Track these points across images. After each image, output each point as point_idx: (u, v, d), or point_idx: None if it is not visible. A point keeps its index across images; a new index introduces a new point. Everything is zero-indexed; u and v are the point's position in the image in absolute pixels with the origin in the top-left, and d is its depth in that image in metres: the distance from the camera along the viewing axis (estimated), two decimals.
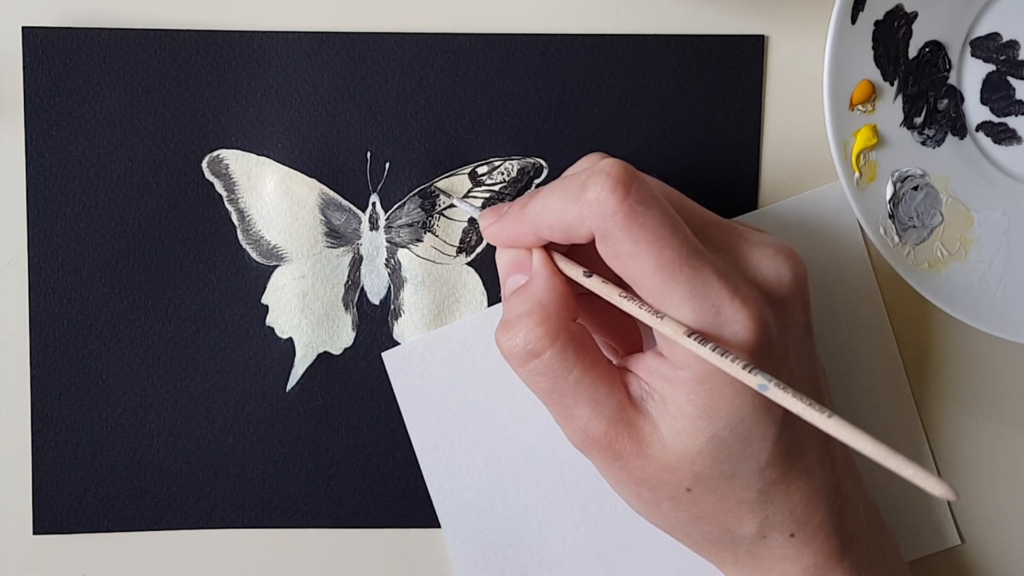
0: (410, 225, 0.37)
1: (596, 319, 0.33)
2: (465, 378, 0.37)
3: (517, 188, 0.37)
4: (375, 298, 0.37)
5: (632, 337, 0.34)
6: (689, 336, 0.27)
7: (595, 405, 0.30)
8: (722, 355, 0.27)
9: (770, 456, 0.29)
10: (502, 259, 0.32)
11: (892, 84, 0.36)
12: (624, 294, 0.29)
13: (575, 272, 0.31)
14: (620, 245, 0.28)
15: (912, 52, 0.36)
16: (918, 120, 0.36)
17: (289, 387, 0.37)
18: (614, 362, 0.31)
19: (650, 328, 0.30)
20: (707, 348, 0.27)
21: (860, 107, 0.35)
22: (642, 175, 0.29)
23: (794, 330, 0.31)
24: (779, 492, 0.30)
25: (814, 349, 0.32)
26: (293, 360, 0.37)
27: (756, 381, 0.26)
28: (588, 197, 0.28)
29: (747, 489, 0.30)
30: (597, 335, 0.34)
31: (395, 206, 0.37)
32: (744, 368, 0.27)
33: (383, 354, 0.37)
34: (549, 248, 0.32)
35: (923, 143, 0.37)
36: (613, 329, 0.34)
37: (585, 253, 0.31)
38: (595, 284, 0.30)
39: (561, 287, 0.31)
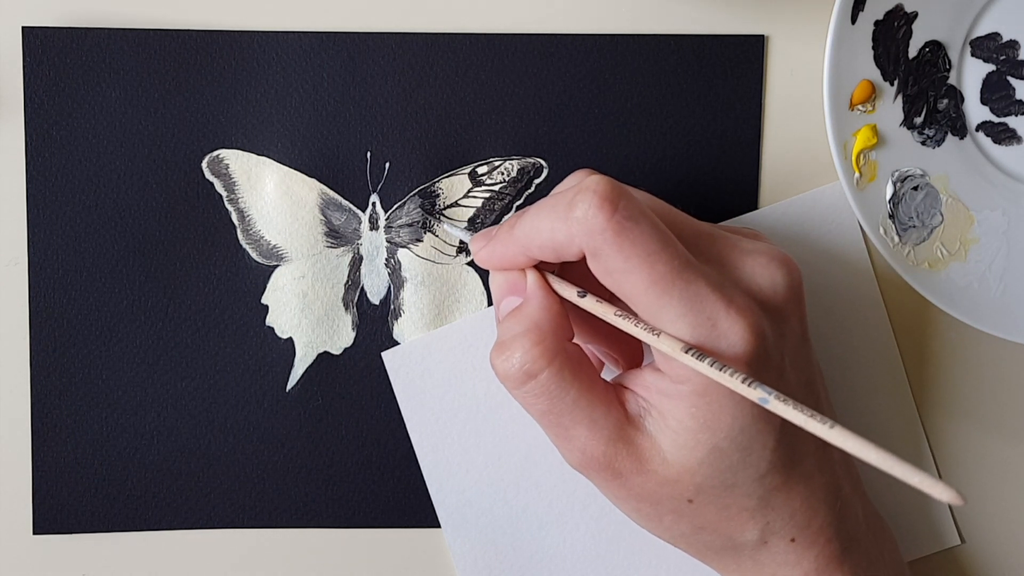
0: (410, 225, 0.37)
1: (595, 331, 0.33)
2: (465, 378, 0.37)
3: (517, 188, 0.37)
4: (375, 298, 0.37)
5: (633, 347, 0.34)
6: (687, 351, 0.27)
7: (593, 425, 0.29)
8: (721, 369, 0.27)
9: (770, 463, 0.29)
10: (495, 282, 0.32)
11: (892, 84, 0.36)
12: (619, 312, 0.29)
13: (569, 293, 0.31)
14: (611, 262, 0.28)
15: (912, 52, 0.36)
16: (918, 120, 0.36)
17: (289, 387, 0.37)
18: (617, 372, 0.31)
19: None
20: (705, 363, 0.27)
21: (860, 107, 0.35)
22: (629, 190, 0.29)
23: (790, 337, 0.30)
24: (779, 498, 0.30)
25: (811, 354, 0.32)
26: (293, 360, 0.37)
27: (756, 395, 0.26)
28: (576, 215, 0.28)
29: (748, 497, 0.30)
30: (598, 346, 0.33)
31: (395, 206, 0.37)
32: (743, 382, 0.26)
33: (383, 354, 0.37)
34: (541, 268, 0.31)
35: (923, 143, 0.37)
36: (613, 340, 0.33)
37: (577, 270, 0.31)
38: (590, 304, 0.30)
39: (556, 307, 0.30)
